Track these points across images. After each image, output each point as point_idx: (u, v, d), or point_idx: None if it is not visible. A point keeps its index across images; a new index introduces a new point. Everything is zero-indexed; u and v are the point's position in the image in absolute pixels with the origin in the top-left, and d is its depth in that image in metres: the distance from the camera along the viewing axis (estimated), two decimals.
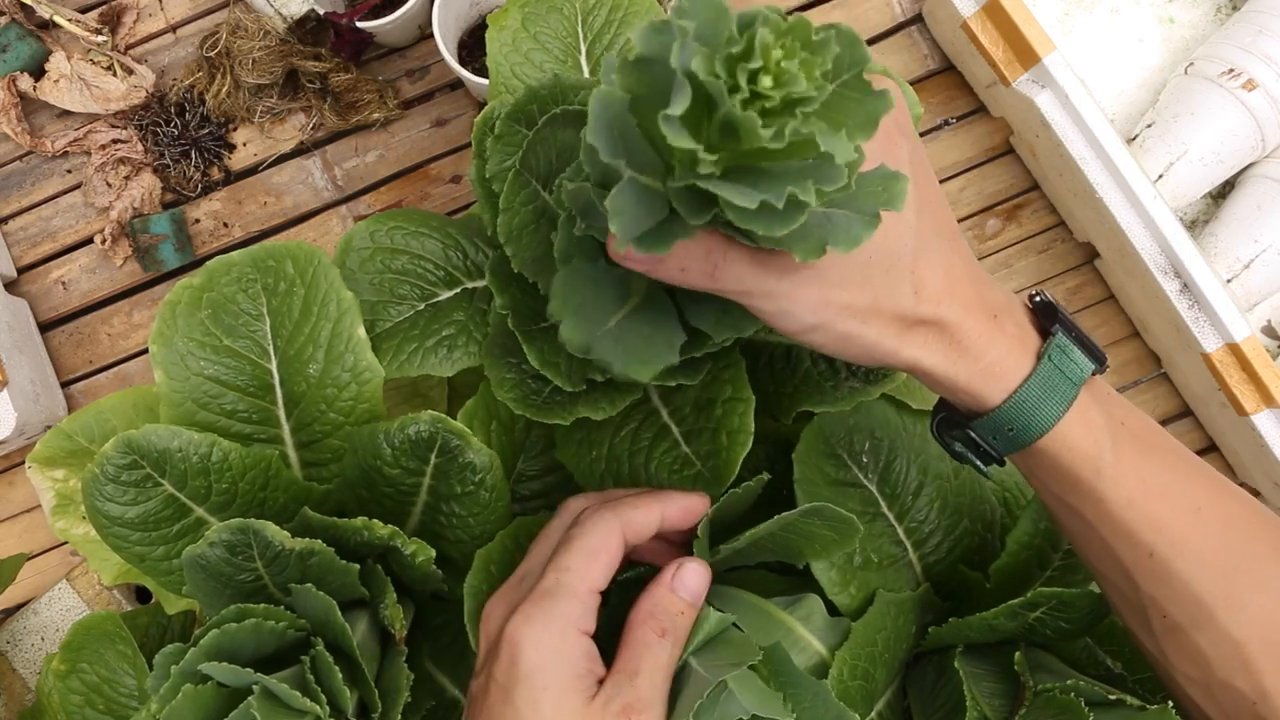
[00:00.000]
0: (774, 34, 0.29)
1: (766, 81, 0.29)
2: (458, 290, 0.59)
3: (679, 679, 0.47)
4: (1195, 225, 0.92)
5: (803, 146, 0.29)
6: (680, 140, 0.29)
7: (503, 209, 0.47)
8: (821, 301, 0.39)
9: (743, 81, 0.29)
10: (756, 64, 0.28)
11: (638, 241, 0.34)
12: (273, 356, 0.56)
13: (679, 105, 0.28)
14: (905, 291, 0.41)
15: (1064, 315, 0.45)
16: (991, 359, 0.43)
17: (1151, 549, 0.43)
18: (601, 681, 0.44)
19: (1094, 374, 0.45)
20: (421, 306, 0.59)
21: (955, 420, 0.47)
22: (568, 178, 0.43)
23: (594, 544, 0.45)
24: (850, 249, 0.34)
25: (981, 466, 0.47)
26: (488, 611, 0.46)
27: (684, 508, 0.49)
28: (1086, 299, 0.97)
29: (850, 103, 0.31)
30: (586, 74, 0.58)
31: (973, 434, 0.45)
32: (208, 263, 0.56)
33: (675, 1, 0.30)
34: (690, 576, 0.47)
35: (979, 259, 0.96)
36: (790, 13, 0.96)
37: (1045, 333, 0.45)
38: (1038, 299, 0.46)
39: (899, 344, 0.42)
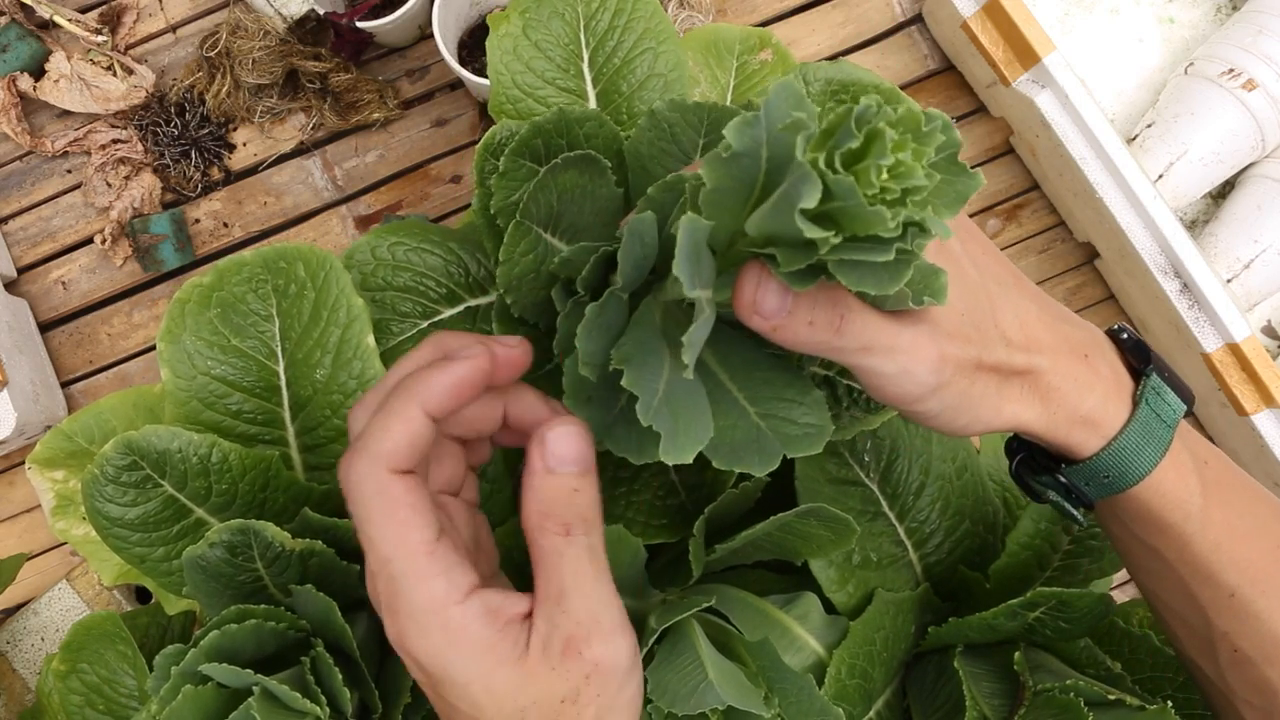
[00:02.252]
0: (893, 128, 0.30)
1: (886, 176, 0.30)
2: (460, 309, 0.59)
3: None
4: (1195, 225, 0.92)
5: (911, 229, 0.31)
6: (811, 231, 0.30)
7: (503, 260, 0.46)
8: (940, 358, 0.36)
9: (874, 177, 0.30)
10: (885, 160, 0.30)
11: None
12: (280, 358, 0.55)
13: (811, 197, 0.29)
14: (998, 343, 0.39)
15: (1155, 354, 0.43)
16: (1090, 405, 0.41)
17: (1234, 590, 0.43)
18: (529, 617, 0.36)
19: (1185, 414, 0.43)
20: (424, 325, 0.58)
21: (1041, 464, 0.44)
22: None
23: (381, 513, 0.35)
24: (941, 299, 0.35)
25: (1073, 511, 0.44)
26: (371, 595, 0.37)
27: (447, 388, 0.37)
28: (1086, 299, 0.97)
29: (943, 183, 0.33)
30: (589, 81, 0.57)
31: (1063, 480, 0.43)
32: (218, 262, 0.55)
33: (765, 97, 0.31)
34: (560, 443, 0.37)
35: None
36: (790, 13, 0.95)
37: (1134, 371, 0.43)
38: (1125, 336, 0.44)
39: (1000, 401, 0.39)
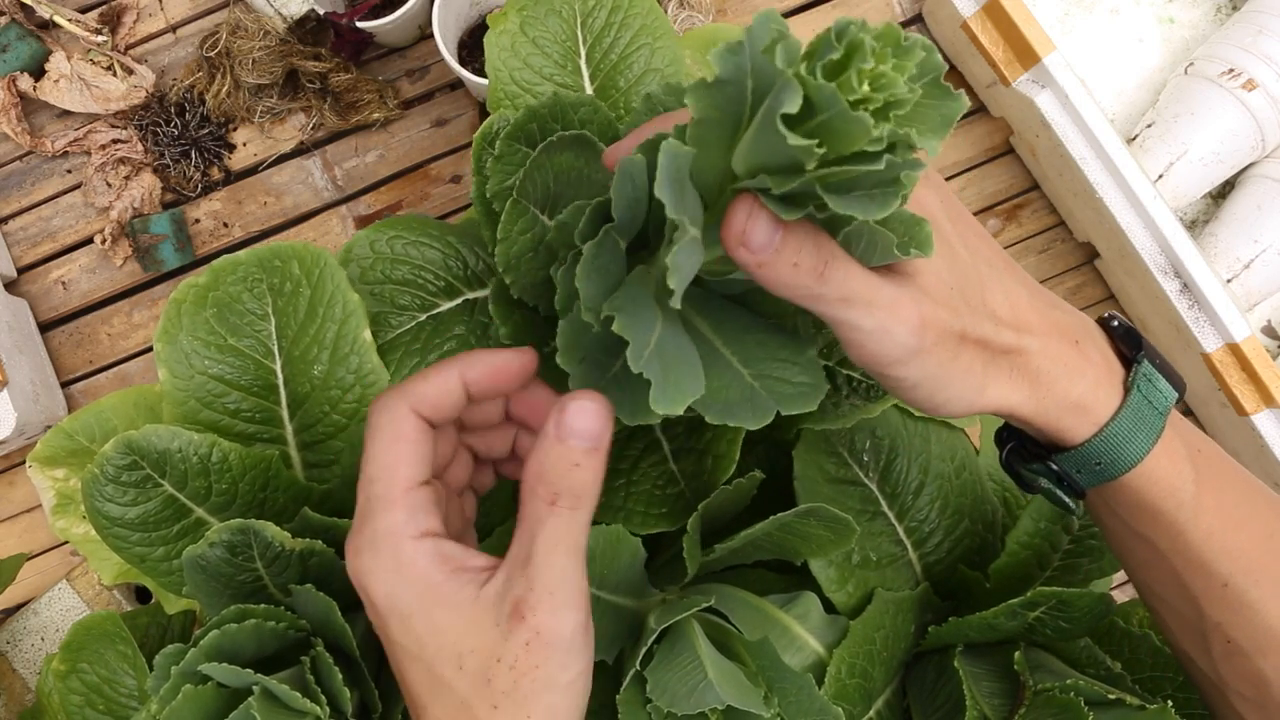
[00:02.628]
0: (872, 39, 0.30)
1: (868, 86, 0.30)
2: (458, 301, 0.59)
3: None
4: (1195, 225, 0.92)
5: (896, 147, 0.30)
6: (795, 139, 0.29)
7: (500, 238, 0.46)
8: (922, 321, 0.36)
9: (855, 84, 0.30)
10: (867, 64, 0.30)
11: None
12: (277, 356, 0.55)
13: (792, 104, 0.29)
14: (985, 318, 0.38)
15: (1146, 341, 0.43)
16: (1081, 391, 0.40)
17: (1227, 579, 0.42)
18: (488, 572, 0.37)
19: (1177, 402, 0.42)
20: (422, 318, 0.59)
21: (1032, 452, 0.44)
22: (570, 221, 0.42)
23: (385, 437, 0.38)
24: (927, 250, 0.35)
25: (1066, 499, 0.44)
26: (348, 561, 0.39)
27: (490, 366, 0.40)
28: (1086, 299, 0.97)
29: (928, 107, 0.32)
30: (586, 78, 0.57)
31: (1055, 467, 0.42)
32: (214, 262, 0.55)
33: (749, 25, 0.31)
34: (577, 416, 0.37)
35: None
36: (791, 13, 0.95)
37: (1125, 358, 0.42)
38: (1115, 323, 0.43)
39: (985, 379, 0.38)
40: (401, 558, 0.36)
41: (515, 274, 0.47)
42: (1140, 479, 0.41)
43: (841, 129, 0.30)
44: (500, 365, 0.40)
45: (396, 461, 0.37)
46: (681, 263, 0.34)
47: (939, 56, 0.32)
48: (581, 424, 0.37)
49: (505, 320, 0.51)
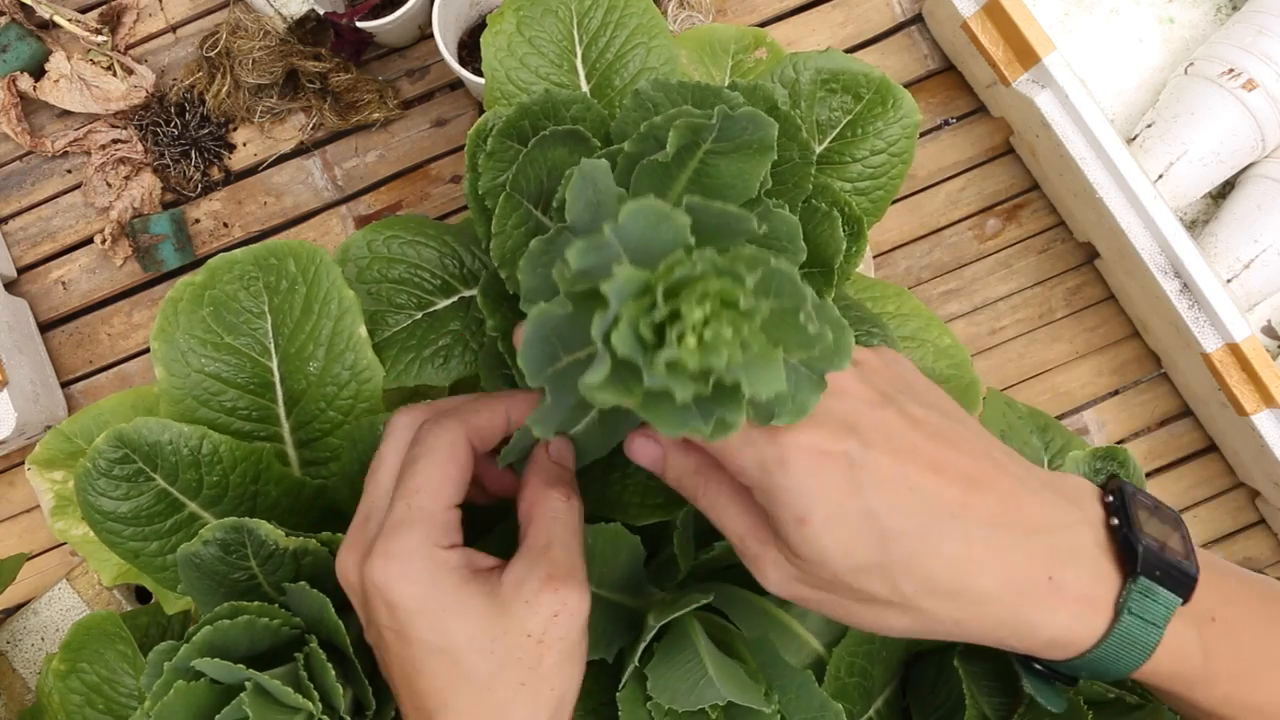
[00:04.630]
0: (699, 301, 0.30)
1: (690, 348, 0.30)
2: (454, 299, 0.60)
3: None
4: (1195, 225, 0.92)
5: (727, 392, 0.31)
6: (601, 399, 0.31)
7: (495, 233, 0.47)
8: (783, 587, 0.39)
9: (659, 360, 0.30)
10: (673, 348, 0.30)
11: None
12: (273, 354, 0.56)
13: (598, 374, 0.30)
14: (915, 594, 0.36)
15: (1149, 546, 0.38)
16: (1052, 634, 0.38)
17: None
18: (498, 571, 0.41)
19: (1182, 604, 0.39)
20: (419, 315, 0.59)
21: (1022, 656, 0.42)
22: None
23: (441, 457, 0.41)
24: (797, 418, 0.33)
25: (1053, 699, 0.43)
26: (341, 565, 0.42)
27: (529, 401, 0.45)
28: (1086, 299, 0.97)
29: (789, 328, 0.31)
30: (583, 77, 0.58)
31: (1039, 667, 0.41)
32: (210, 260, 0.56)
33: (610, 225, 0.31)
34: (563, 446, 0.44)
35: (979, 259, 0.96)
36: (791, 13, 0.95)
37: (1125, 565, 0.39)
38: (1115, 523, 0.39)
39: (930, 631, 0.38)
40: (435, 563, 0.39)
41: (510, 268, 0.47)
42: (1140, 674, 0.39)
43: (654, 393, 0.31)
44: (536, 402, 0.44)
45: (446, 480, 0.41)
46: (542, 418, 0.39)
47: (802, 291, 0.30)
48: (567, 451, 0.45)
49: (493, 313, 0.51)
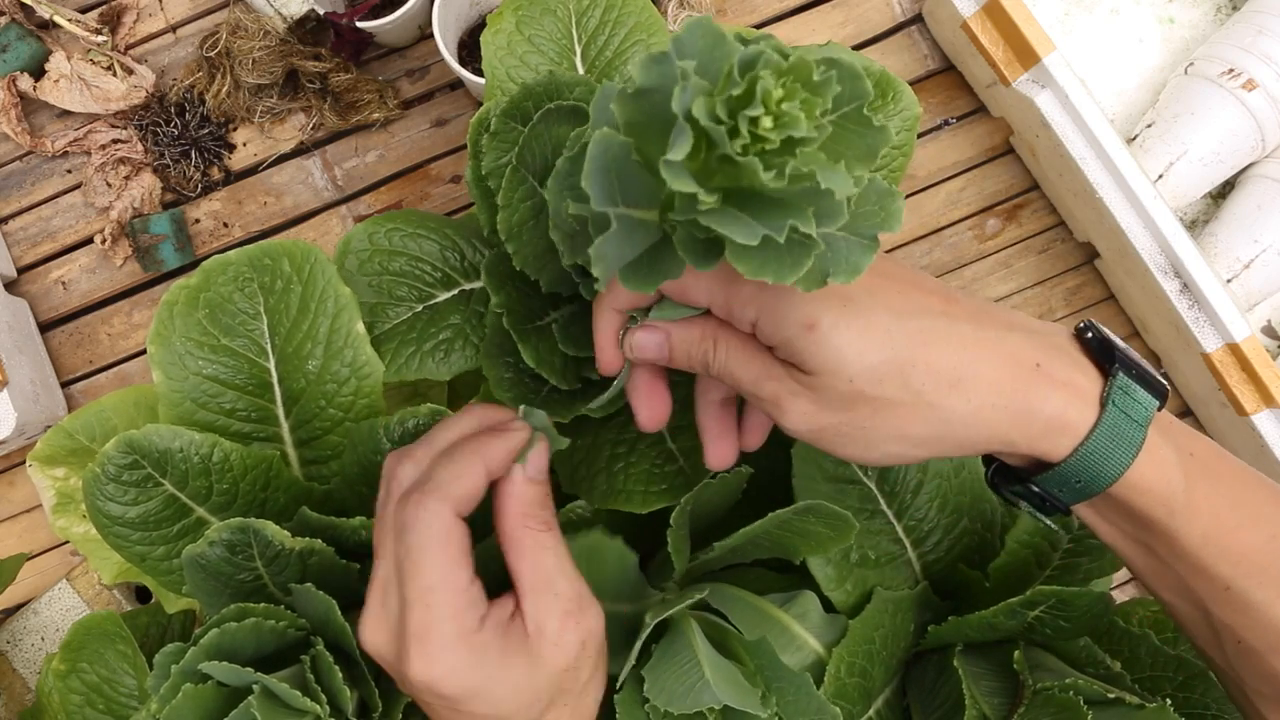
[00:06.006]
0: (775, 75, 0.29)
1: (767, 123, 0.29)
2: (454, 292, 0.60)
3: None
4: (1195, 225, 0.92)
5: (803, 183, 0.30)
6: (680, 184, 0.29)
7: (502, 205, 0.47)
8: (805, 422, 0.40)
9: (744, 127, 0.29)
10: (758, 110, 0.29)
11: (624, 275, 0.36)
12: (270, 355, 0.56)
13: (680, 150, 0.29)
14: (924, 384, 0.39)
15: (1122, 351, 0.42)
16: (1048, 416, 0.40)
17: (1229, 583, 0.42)
18: (515, 611, 0.42)
19: (1158, 409, 0.41)
20: (419, 308, 0.59)
21: (1014, 473, 0.44)
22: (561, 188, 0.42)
23: (438, 548, 0.40)
24: (851, 278, 0.34)
25: (1045, 520, 0.45)
26: (370, 641, 0.42)
27: (506, 451, 0.43)
28: (1086, 299, 0.97)
29: (851, 135, 0.32)
30: (581, 74, 0.58)
31: (1035, 489, 0.43)
32: (204, 262, 0.56)
33: (674, 30, 0.31)
34: (536, 455, 0.44)
35: (979, 259, 0.97)
36: (790, 13, 0.95)
37: (1102, 369, 0.42)
38: (1089, 335, 0.43)
39: (942, 438, 0.40)
40: (475, 648, 0.40)
41: (518, 243, 0.47)
42: (1125, 490, 0.41)
43: (734, 170, 0.30)
44: (512, 451, 0.43)
45: (451, 566, 0.40)
46: (606, 252, 0.35)
47: (865, 84, 0.31)
48: (543, 462, 0.44)
49: (498, 290, 0.51)
